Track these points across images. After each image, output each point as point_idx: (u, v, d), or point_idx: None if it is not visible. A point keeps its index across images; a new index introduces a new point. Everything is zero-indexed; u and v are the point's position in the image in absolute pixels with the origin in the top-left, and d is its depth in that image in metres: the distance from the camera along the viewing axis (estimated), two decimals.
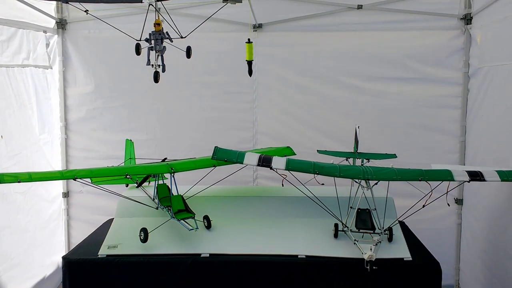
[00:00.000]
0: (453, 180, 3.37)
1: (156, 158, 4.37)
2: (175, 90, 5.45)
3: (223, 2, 3.30)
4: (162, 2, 4.06)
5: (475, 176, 3.36)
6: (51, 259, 5.36)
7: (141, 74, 5.39)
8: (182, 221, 3.46)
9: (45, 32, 5.27)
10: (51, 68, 5.43)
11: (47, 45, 5.34)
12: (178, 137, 5.55)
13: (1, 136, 4.39)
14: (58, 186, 5.67)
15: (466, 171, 3.42)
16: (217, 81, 5.50)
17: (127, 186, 4.46)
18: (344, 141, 4.90)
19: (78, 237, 5.75)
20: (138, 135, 5.34)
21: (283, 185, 3.69)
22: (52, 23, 5.40)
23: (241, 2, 3.28)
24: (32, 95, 5.07)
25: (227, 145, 3.68)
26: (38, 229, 5.06)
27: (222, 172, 4.03)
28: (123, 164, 4.49)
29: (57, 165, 5.62)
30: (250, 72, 4.43)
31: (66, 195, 5.76)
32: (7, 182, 3.02)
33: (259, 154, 3.60)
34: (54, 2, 5.36)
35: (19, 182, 3.01)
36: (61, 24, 5.48)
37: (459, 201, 5.38)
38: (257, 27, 5.39)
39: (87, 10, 4.30)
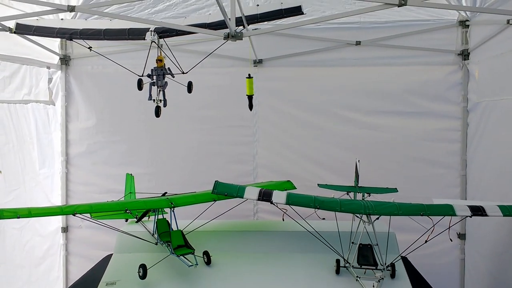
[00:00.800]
0: (455, 215, 3.34)
1: (156, 192, 4.36)
2: (176, 124, 5.50)
3: (224, 39, 3.36)
4: (164, 39, 4.18)
5: (477, 211, 3.33)
6: None
7: (142, 109, 5.49)
8: (181, 257, 3.42)
9: (48, 68, 5.37)
10: (53, 104, 5.49)
11: (50, 80, 5.42)
12: (178, 171, 5.56)
13: (0, 171, 4.41)
14: (55, 221, 5.62)
15: (467, 206, 3.39)
16: (217, 115, 5.55)
17: (126, 220, 4.42)
18: (344, 175, 4.86)
19: (77, 273, 5.69)
20: (138, 169, 5.33)
21: (283, 220, 3.66)
22: (56, 59, 5.51)
23: (242, 39, 3.33)
24: (33, 130, 5.14)
25: (227, 179, 3.67)
26: (33, 266, 4.99)
27: (223, 206, 4.01)
28: (123, 199, 4.47)
29: (57, 200, 5.63)
30: (251, 107, 4.48)
31: (65, 230, 5.72)
32: (7, 218, 3.00)
33: (259, 188, 3.59)
34: (59, 39, 5.49)
35: (18, 217, 3.00)
36: (65, 60, 5.59)
37: (461, 236, 5.32)
38: (258, 62, 5.49)
39: (91, 47, 4.42)
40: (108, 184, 5.57)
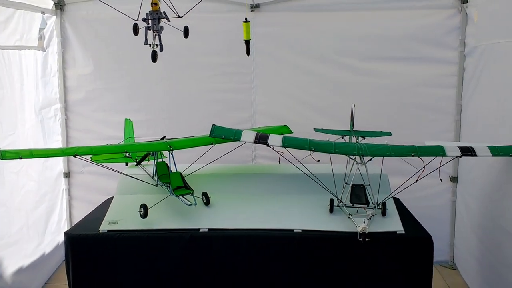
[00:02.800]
0: (445, 155, 3.44)
1: (155, 137, 4.44)
2: (173, 71, 5.50)
3: None
4: None
5: (467, 151, 3.43)
6: (50, 238, 5.49)
7: (140, 55, 5.42)
8: (181, 197, 3.55)
9: (43, 13, 5.29)
10: (44, 51, 5.42)
11: (43, 25, 5.36)
12: (177, 118, 5.61)
13: None
14: (56, 166, 5.75)
15: (458, 146, 3.49)
16: (215, 62, 5.54)
17: (126, 164, 4.54)
18: (340, 120, 4.91)
19: (79, 216, 5.90)
20: (138, 115, 5.36)
21: (279, 162, 3.76)
22: (50, 4, 5.41)
23: None
24: (29, 76, 5.10)
25: (225, 125, 3.74)
26: (30, 209, 5.10)
27: (221, 151, 4.12)
28: (122, 143, 4.56)
29: (56, 145, 5.69)
30: (248, 52, 4.46)
31: (67, 175, 5.86)
32: (9, 159, 3.09)
33: (256, 132, 3.68)
34: None
35: (20, 158, 3.09)
36: (59, 5, 5.49)
37: (454, 179, 5.47)
38: (254, 7, 5.41)
39: None
40: (107, 131, 5.62)
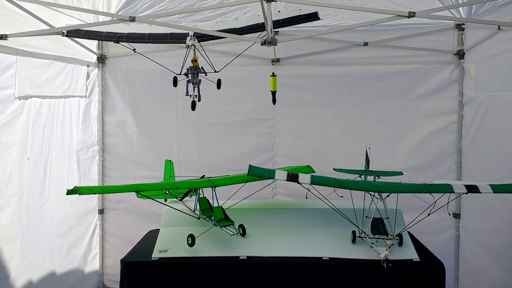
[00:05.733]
0: (453, 192, 3.94)
1: (192, 176, 5.00)
2: (203, 118, 6.10)
3: (261, 45, 3.96)
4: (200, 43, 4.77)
5: (471, 189, 3.92)
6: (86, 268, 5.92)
7: (173, 103, 6.16)
8: (224, 228, 4.05)
9: (88, 66, 5.96)
10: (86, 98, 6.02)
11: (88, 77, 6.02)
12: (206, 159, 6.19)
13: (28, 158, 4.89)
14: (86, 202, 6.09)
15: (463, 184, 4.03)
16: (240, 109, 6.19)
17: (165, 200, 5.03)
18: (353, 162, 5.47)
19: (111, 250, 6.37)
20: (169, 157, 5.89)
21: (307, 198, 4.27)
22: (94, 58, 6.09)
23: (276, 45, 3.94)
24: (72, 121, 5.71)
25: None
26: (49, 242, 5.31)
27: (248, 189, 4.58)
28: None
29: (93, 184, 6.20)
30: (274, 101, 5.11)
31: (101, 211, 6.34)
32: (84, 194, 3.61)
33: (287, 171, 4.22)
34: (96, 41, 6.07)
35: (94, 193, 3.61)
36: (101, 59, 6.18)
37: (456, 215, 6.00)
38: (276, 61, 6.10)
39: (135, 49, 5.02)
40: (140, 171, 6.22)
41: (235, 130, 6.22)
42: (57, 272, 5.40)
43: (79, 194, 3.57)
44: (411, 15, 3.69)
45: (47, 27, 4.68)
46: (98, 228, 6.34)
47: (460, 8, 5.03)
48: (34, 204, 4.99)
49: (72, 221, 5.79)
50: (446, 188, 3.96)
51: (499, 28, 4.87)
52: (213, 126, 6.23)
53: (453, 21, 5.80)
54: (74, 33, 4.81)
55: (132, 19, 3.86)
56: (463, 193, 3.95)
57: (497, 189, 3.97)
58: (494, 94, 5.15)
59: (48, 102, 5.21)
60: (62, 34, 4.75)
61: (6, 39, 4.09)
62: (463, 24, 5.79)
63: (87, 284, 6.08)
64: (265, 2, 3.60)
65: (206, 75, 4.65)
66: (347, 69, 6.11)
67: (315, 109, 6.18)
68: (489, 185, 4.01)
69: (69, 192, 3.60)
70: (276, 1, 3.75)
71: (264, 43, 3.92)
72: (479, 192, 3.92)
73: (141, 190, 3.86)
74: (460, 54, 5.85)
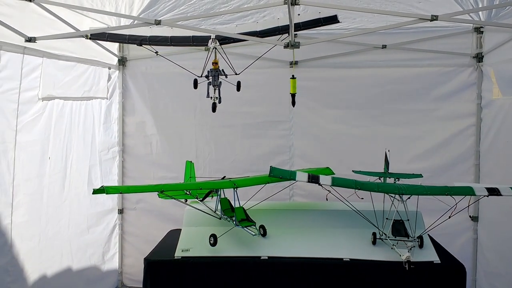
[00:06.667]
0: (474, 194, 3.94)
1: (210, 177, 5.06)
2: (221, 119, 6.14)
3: (284, 48, 4.01)
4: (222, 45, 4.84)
5: (493, 191, 3.91)
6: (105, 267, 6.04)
7: (192, 105, 6.24)
8: (245, 228, 4.10)
9: (109, 68, 6.06)
10: (107, 99, 6.14)
11: (109, 78, 6.12)
12: (224, 160, 6.26)
13: (49, 158, 4.99)
14: (106, 202, 6.17)
15: (485, 187, 4.04)
16: (258, 111, 6.25)
17: (186, 201, 5.09)
18: (371, 164, 5.52)
19: (130, 249, 6.45)
20: (188, 158, 5.98)
21: (327, 199, 4.33)
22: (115, 61, 6.20)
23: (299, 47, 3.99)
24: (95, 122, 5.81)
25: (267, 167, 4.22)
26: (66, 240, 5.38)
27: (267, 190, 4.64)
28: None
29: (113, 184, 6.29)
30: (293, 103, 5.14)
31: (121, 211, 6.43)
32: (111, 193, 3.70)
33: (307, 173, 4.27)
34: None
35: (120, 193, 3.69)
36: (122, 61, 6.29)
37: (474, 218, 5.99)
38: (294, 63, 6.14)
39: (157, 52, 5.10)
40: (159, 172, 6.30)
41: (253, 131, 6.28)
42: (75, 269, 5.48)
43: (107, 194, 3.65)
44: (434, 18, 3.71)
45: (72, 30, 4.78)
46: (117, 228, 6.43)
47: (480, 12, 5.05)
48: (53, 203, 5.09)
49: (91, 220, 5.88)
50: (467, 191, 3.97)
51: None
52: (231, 127, 6.29)
53: (472, 24, 5.81)
54: (98, 36, 4.91)
55: (158, 23, 3.92)
56: (485, 196, 3.95)
57: None
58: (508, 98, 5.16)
59: (71, 104, 5.32)
60: (86, 37, 4.82)
61: (35, 42, 4.18)
62: (481, 27, 5.80)
63: (106, 282, 6.17)
64: (290, 5, 3.64)
65: (226, 77, 4.71)
66: (365, 71, 6.14)
67: (333, 112, 6.22)
68: (510, 187, 4.02)
69: (96, 192, 3.69)
70: (299, 5, 3.78)
71: (287, 46, 3.97)
72: (501, 195, 3.92)
73: (166, 190, 3.93)
74: (479, 57, 5.86)
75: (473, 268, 6.04)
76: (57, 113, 5.02)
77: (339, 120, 6.22)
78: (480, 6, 4.72)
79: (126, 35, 4.86)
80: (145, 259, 4.18)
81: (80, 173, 5.59)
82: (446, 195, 3.97)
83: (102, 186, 3.69)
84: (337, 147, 6.23)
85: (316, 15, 4.66)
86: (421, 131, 6.06)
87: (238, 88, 4.74)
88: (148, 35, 4.88)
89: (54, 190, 5.07)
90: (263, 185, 4.53)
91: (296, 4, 3.75)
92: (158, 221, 6.24)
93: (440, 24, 5.70)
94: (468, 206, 4.09)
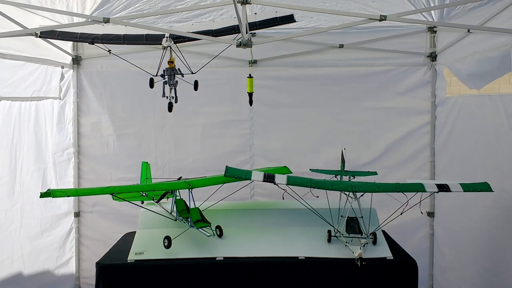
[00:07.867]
0: (424, 191, 4.02)
1: (169, 178, 4.99)
2: (180, 119, 6.09)
3: (236, 47, 3.98)
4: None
5: (442, 188, 4.03)
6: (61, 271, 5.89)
7: (150, 105, 6.13)
8: (200, 229, 4.06)
9: (62, 67, 5.89)
10: (60, 99, 5.98)
11: (62, 78, 5.95)
12: (183, 161, 6.18)
13: None
14: (61, 206, 6.07)
15: (435, 184, 4.13)
16: (218, 111, 6.19)
17: (142, 202, 5.00)
18: (330, 162, 5.59)
19: (87, 253, 6.30)
20: (146, 159, 5.86)
21: (283, 198, 4.33)
22: (68, 59, 6.02)
23: (251, 47, 3.97)
24: (46, 123, 5.65)
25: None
26: (18, 245, 5.28)
27: (225, 190, 4.63)
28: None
29: (69, 187, 6.13)
30: (251, 102, 5.13)
31: (77, 214, 6.27)
32: (58, 197, 3.57)
33: (263, 172, 4.26)
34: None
35: (68, 196, 3.57)
36: (76, 60, 6.11)
37: (430, 214, 6.13)
38: (253, 62, 6.11)
39: (110, 50, 4.99)
40: (117, 174, 6.15)
41: (213, 131, 6.22)
42: (26, 274, 5.32)
43: (53, 197, 3.53)
44: (383, 18, 3.76)
45: (20, 28, 4.61)
46: (74, 231, 6.25)
47: (432, 12, 5.15)
48: (3, 206, 4.94)
49: (45, 223, 5.72)
50: (417, 187, 4.05)
51: (468, 31, 5.01)
52: (191, 127, 6.21)
53: (425, 25, 5.93)
54: (47, 34, 4.75)
55: (107, 21, 3.82)
56: (435, 192, 4.05)
57: (467, 188, 4.08)
58: (465, 95, 5.29)
59: (19, 104, 5.15)
60: (36, 35, 4.65)
61: None
62: (435, 27, 5.92)
63: (62, 287, 5.99)
64: (239, 4, 3.62)
65: (182, 76, 4.65)
66: (323, 70, 6.18)
67: (292, 110, 6.23)
68: (460, 184, 4.12)
69: (43, 195, 3.56)
70: (250, 4, 3.76)
71: (239, 45, 3.95)
72: (450, 191, 4.02)
73: (117, 193, 3.84)
74: (433, 56, 5.99)
75: (430, 263, 6.18)
76: (3, 113, 4.84)
77: (298, 119, 6.23)
78: (432, 5, 4.81)
79: (78, 33, 4.72)
80: (97, 263, 4.08)
81: (32, 176, 5.42)
82: (398, 191, 4.03)
83: (48, 190, 3.57)
84: (297, 145, 6.25)
85: (273, 15, 4.65)
86: (378, 129, 6.14)
87: (196, 88, 4.69)
88: (101, 33, 4.77)
89: (2, 193, 4.91)
90: (221, 185, 4.50)
91: (247, 3, 3.73)
92: (116, 224, 6.12)
93: (394, 24, 5.81)
94: (420, 202, 4.17)
